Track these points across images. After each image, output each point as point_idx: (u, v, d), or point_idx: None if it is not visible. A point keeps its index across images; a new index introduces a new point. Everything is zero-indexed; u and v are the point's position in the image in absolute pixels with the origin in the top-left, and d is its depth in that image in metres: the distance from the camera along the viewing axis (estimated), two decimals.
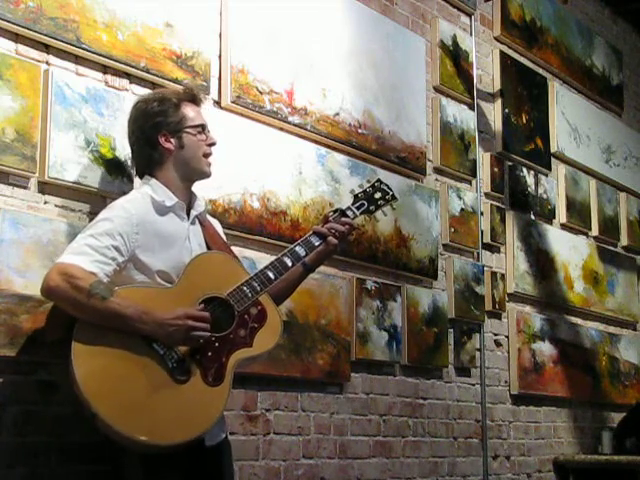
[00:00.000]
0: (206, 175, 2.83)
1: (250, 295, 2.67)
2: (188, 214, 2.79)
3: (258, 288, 2.69)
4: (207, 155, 2.80)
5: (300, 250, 2.83)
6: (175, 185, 2.76)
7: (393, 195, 3.10)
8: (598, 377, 5.54)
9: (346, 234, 2.96)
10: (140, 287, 2.60)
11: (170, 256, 2.66)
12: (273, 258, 2.81)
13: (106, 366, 2.46)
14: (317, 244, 2.88)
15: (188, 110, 2.78)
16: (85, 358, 2.44)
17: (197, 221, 2.83)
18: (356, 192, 3.06)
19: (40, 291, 2.55)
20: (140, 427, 2.43)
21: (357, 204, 3.02)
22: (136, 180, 2.96)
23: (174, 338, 2.52)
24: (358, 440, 3.91)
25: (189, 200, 2.81)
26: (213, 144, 2.82)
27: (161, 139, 2.73)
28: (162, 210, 2.71)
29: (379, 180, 3.10)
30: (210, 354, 2.58)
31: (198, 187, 2.97)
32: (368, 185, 3.08)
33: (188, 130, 2.75)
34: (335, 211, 3.00)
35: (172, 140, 2.74)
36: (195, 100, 2.83)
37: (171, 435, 2.48)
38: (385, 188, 3.08)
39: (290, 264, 2.79)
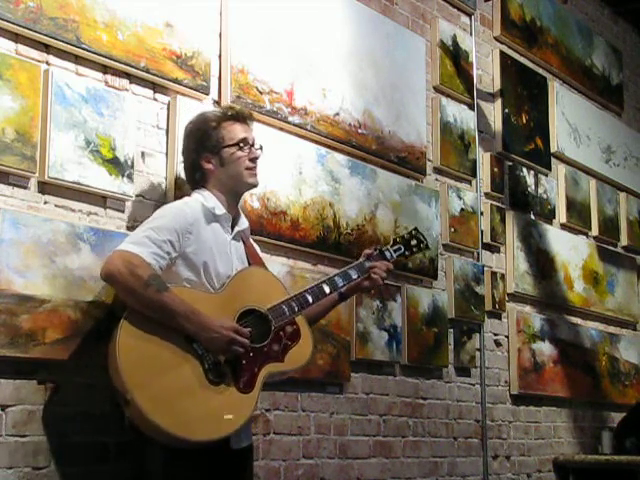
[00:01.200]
0: (251, 186, 2.97)
1: (288, 314, 2.84)
2: (232, 229, 2.92)
3: (296, 308, 2.87)
4: (249, 168, 2.92)
5: (339, 281, 3.05)
6: (222, 198, 2.91)
7: (427, 245, 3.36)
8: (598, 377, 5.54)
9: (385, 275, 3.16)
10: (187, 289, 2.73)
11: (216, 260, 2.80)
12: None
13: (148, 354, 2.57)
14: (355, 277, 3.11)
15: (228, 129, 2.91)
16: (129, 342, 2.55)
17: (239, 238, 2.95)
18: (395, 237, 3.33)
19: (100, 274, 2.66)
20: (172, 420, 2.53)
21: (395, 247, 3.25)
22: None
23: (214, 344, 2.65)
24: (358, 440, 3.91)
25: (235, 216, 2.94)
26: (255, 159, 2.93)
27: (202, 161, 2.91)
28: (210, 218, 2.85)
29: (416, 229, 3.36)
30: (244, 362, 2.71)
31: None
32: (406, 232, 3.35)
33: (227, 148, 2.89)
34: (375, 249, 3.22)
35: (212, 160, 2.90)
36: (237, 117, 2.95)
37: (200, 432, 2.58)
38: (421, 237, 3.32)
39: (328, 291, 3.00)
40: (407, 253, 3.28)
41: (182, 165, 3.03)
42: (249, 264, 2.94)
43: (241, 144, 2.90)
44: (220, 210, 2.87)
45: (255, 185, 2.98)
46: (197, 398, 2.60)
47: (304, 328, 2.90)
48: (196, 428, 2.57)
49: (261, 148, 2.97)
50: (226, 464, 2.73)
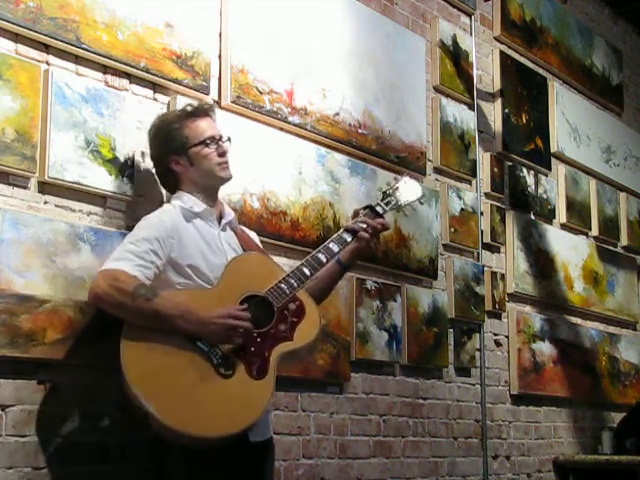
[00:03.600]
0: (224, 180, 2.92)
1: (288, 291, 2.78)
2: (219, 223, 2.91)
3: (295, 284, 2.80)
4: (220, 163, 2.88)
5: (333, 246, 2.93)
6: (200, 196, 2.88)
7: (420, 192, 3.18)
8: (598, 377, 5.54)
9: (378, 230, 3.02)
10: (182, 290, 2.71)
11: (206, 257, 2.78)
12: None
13: (155, 364, 2.56)
14: (349, 240, 2.97)
15: (191, 127, 2.87)
16: (134, 357, 2.54)
17: (228, 229, 2.93)
18: (384, 189, 3.15)
19: (88, 299, 2.65)
20: (191, 422, 2.52)
21: (385, 200, 3.10)
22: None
23: (217, 336, 2.62)
24: (358, 440, 3.91)
25: (219, 210, 2.93)
26: (223, 154, 2.89)
27: (171, 164, 2.88)
28: (191, 217, 2.82)
29: (408, 176, 3.20)
30: (253, 349, 2.67)
31: None
32: (395, 182, 3.16)
33: (194, 148, 2.85)
34: (364, 207, 3.07)
35: (181, 161, 2.87)
36: (198, 113, 2.90)
37: (220, 428, 2.56)
38: (413, 184, 3.17)
39: (324, 260, 2.89)
40: (400, 203, 3.11)
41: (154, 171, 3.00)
42: (244, 252, 2.91)
43: (207, 141, 2.86)
44: (199, 207, 2.84)
45: (229, 178, 2.92)
46: (213, 395, 2.57)
47: (308, 302, 2.84)
48: (218, 425, 2.55)
49: (229, 139, 2.92)
50: (246, 459, 2.70)
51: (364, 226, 2.97)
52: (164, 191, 3.15)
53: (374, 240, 3.02)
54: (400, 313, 4.16)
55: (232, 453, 2.64)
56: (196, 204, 2.85)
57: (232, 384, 2.61)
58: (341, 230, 2.99)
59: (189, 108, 2.91)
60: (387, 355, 4.06)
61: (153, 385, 2.52)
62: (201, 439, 2.54)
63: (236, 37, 3.51)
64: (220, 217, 2.92)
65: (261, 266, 2.87)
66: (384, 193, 3.13)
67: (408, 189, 3.14)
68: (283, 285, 2.78)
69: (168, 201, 2.96)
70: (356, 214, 3.06)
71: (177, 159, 2.86)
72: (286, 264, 3.60)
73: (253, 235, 3.10)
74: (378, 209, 3.06)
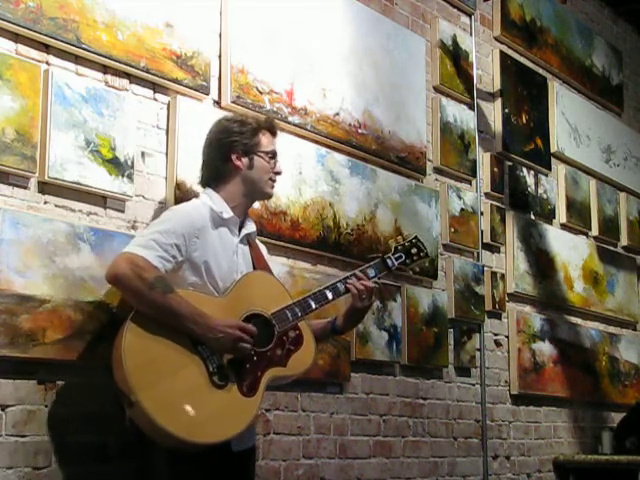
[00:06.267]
0: (269, 196, 3.02)
1: (291, 319, 2.84)
2: (240, 232, 2.93)
3: (299, 314, 2.86)
4: (272, 180, 2.97)
5: (340, 286, 2.99)
6: (235, 201, 2.90)
7: (427, 253, 3.27)
8: (598, 377, 5.54)
9: (372, 293, 3.03)
10: (194, 292, 2.72)
11: (220, 264, 2.80)
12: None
13: (153, 356, 2.57)
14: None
15: (264, 137, 2.95)
16: (135, 343, 2.56)
17: (246, 241, 2.95)
18: (395, 245, 3.22)
19: (106, 276, 2.65)
20: (176, 422, 2.53)
21: (396, 255, 3.18)
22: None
23: (221, 344, 2.65)
24: (358, 440, 3.91)
25: (243, 219, 2.95)
26: (279, 173, 3.00)
27: (233, 156, 2.90)
28: (218, 222, 2.85)
29: (417, 237, 3.27)
30: (248, 366, 2.72)
31: (196, 187, 2.97)
32: (407, 240, 3.25)
33: (260, 154, 2.93)
34: (377, 256, 3.16)
35: (243, 159, 2.91)
36: (272, 130, 3.01)
37: (204, 435, 2.58)
38: (421, 245, 3.25)
39: (330, 297, 2.96)
40: (408, 261, 3.20)
41: (202, 161, 2.98)
42: (254, 268, 2.94)
43: (271, 155, 2.96)
44: (228, 214, 2.87)
45: (270, 196, 3.02)
46: (201, 401, 2.59)
47: (307, 333, 2.90)
48: (199, 431, 2.56)
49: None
50: (227, 466, 2.73)
51: (362, 288, 2.98)
52: (164, 191, 3.16)
53: (369, 302, 3.03)
54: (400, 313, 4.16)
55: (215, 460, 2.66)
56: (225, 210, 2.86)
57: (222, 395, 2.64)
58: (347, 275, 3.03)
59: (268, 121, 3.01)
60: (387, 355, 4.06)
61: (146, 376, 2.52)
62: (179, 440, 2.53)
63: (236, 37, 3.51)
64: (241, 226, 2.94)
65: (270, 287, 2.91)
66: (395, 248, 3.20)
67: (417, 249, 3.23)
68: (288, 312, 2.84)
69: (196, 196, 2.97)
70: (370, 259, 3.14)
71: (241, 155, 2.90)
72: (286, 264, 3.61)
73: (264, 251, 3.11)
74: (388, 262, 3.13)
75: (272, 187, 2.98)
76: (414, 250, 3.23)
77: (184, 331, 2.62)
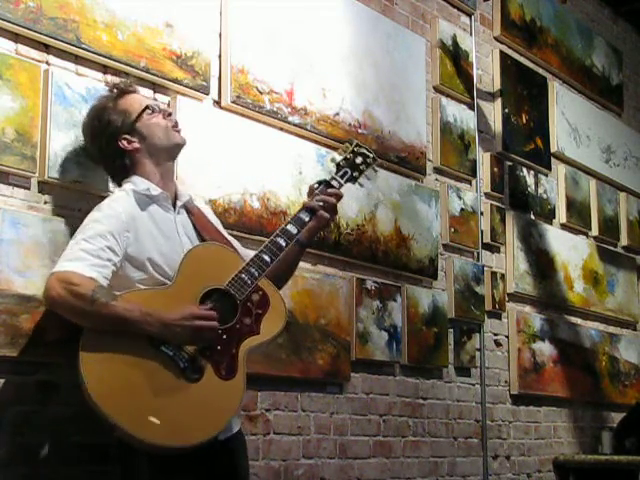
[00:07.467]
0: (180, 145, 2.78)
1: (249, 282, 2.62)
2: (174, 207, 2.76)
3: (256, 273, 2.63)
4: (174, 127, 2.77)
5: (292, 228, 2.78)
6: (156, 175, 2.72)
7: (374, 157, 3.03)
8: (598, 377, 5.54)
9: (334, 204, 2.89)
10: (140, 291, 2.56)
11: (162, 249, 2.62)
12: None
13: (118, 376, 2.41)
14: (307, 220, 2.83)
15: (128, 103, 2.73)
16: (94, 369, 2.38)
17: (184, 211, 2.78)
18: (337, 160, 3.01)
19: (43, 301, 2.56)
20: (164, 433, 2.40)
21: (340, 172, 2.97)
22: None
23: (182, 338, 2.47)
24: (358, 440, 3.91)
25: (174, 192, 2.78)
26: (169, 114, 2.78)
27: (123, 145, 2.70)
28: (146, 202, 2.66)
29: (357, 144, 3.03)
30: (220, 348, 2.54)
31: (196, 187, 2.96)
32: (348, 151, 3.02)
33: (140, 120, 2.71)
34: (320, 183, 2.93)
35: (132, 139, 2.70)
36: (126, 91, 2.79)
37: (192, 435, 2.45)
38: (365, 151, 3.02)
39: (284, 244, 2.73)
40: (355, 175, 2.97)
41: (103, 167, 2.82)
42: (200, 238, 2.74)
43: (148, 110, 2.73)
44: (155, 190, 2.68)
45: (184, 143, 2.78)
46: (182, 402, 2.45)
47: (272, 291, 2.68)
48: (189, 432, 2.45)
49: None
50: (214, 456, 2.59)
51: (321, 204, 2.84)
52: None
53: (333, 215, 2.89)
54: (400, 313, 4.16)
55: (200, 454, 2.52)
56: (151, 187, 2.67)
57: (201, 388, 2.48)
58: (298, 210, 2.84)
59: (115, 88, 2.78)
60: (387, 355, 4.06)
61: (119, 399, 2.38)
62: (173, 449, 2.43)
63: (236, 37, 3.51)
64: (175, 199, 2.76)
65: (219, 256, 2.68)
66: (338, 165, 2.98)
67: (362, 157, 3.00)
68: (244, 275, 2.61)
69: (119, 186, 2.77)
70: (311, 190, 2.91)
71: (127, 138, 2.69)
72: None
73: (208, 212, 2.94)
74: (334, 183, 2.92)
75: (178, 131, 2.75)
76: (359, 160, 3.00)
77: (141, 334, 2.44)
